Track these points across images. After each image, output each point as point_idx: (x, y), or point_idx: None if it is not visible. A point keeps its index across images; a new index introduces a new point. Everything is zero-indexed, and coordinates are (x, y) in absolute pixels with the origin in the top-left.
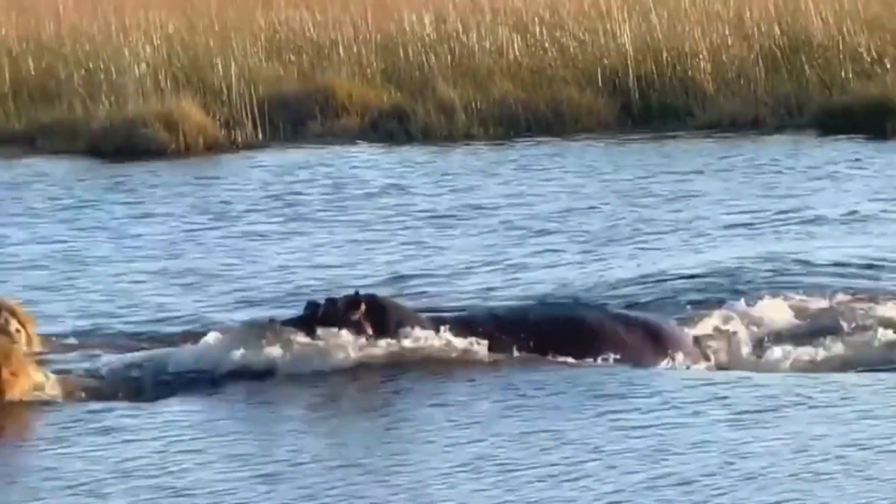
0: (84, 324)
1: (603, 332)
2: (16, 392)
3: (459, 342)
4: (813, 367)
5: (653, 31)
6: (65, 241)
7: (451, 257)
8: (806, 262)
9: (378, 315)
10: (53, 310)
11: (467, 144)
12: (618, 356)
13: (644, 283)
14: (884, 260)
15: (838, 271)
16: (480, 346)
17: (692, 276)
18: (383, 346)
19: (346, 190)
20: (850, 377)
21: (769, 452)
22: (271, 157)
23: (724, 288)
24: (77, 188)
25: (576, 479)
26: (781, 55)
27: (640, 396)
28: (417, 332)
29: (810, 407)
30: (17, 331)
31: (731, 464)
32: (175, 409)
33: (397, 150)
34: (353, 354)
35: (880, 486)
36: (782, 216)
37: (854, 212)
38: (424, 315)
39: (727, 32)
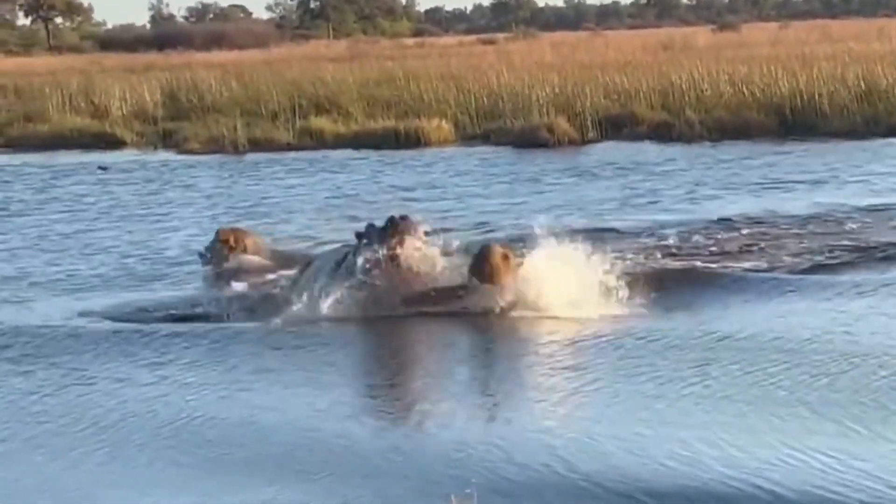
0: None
1: None
2: None
3: None
4: None
5: (798, 84)
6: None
7: None
8: None
9: None
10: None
11: (699, 143)
12: None
13: None
14: None
15: None
16: None
17: None
18: None
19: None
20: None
21: None
22: (605, 146)
23: None
24: (504, 165)
25: None
26: (864, 95)
27: None
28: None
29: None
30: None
31: None
32: None
33: (671, 145)
34: None
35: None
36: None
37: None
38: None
39: (835, 85)
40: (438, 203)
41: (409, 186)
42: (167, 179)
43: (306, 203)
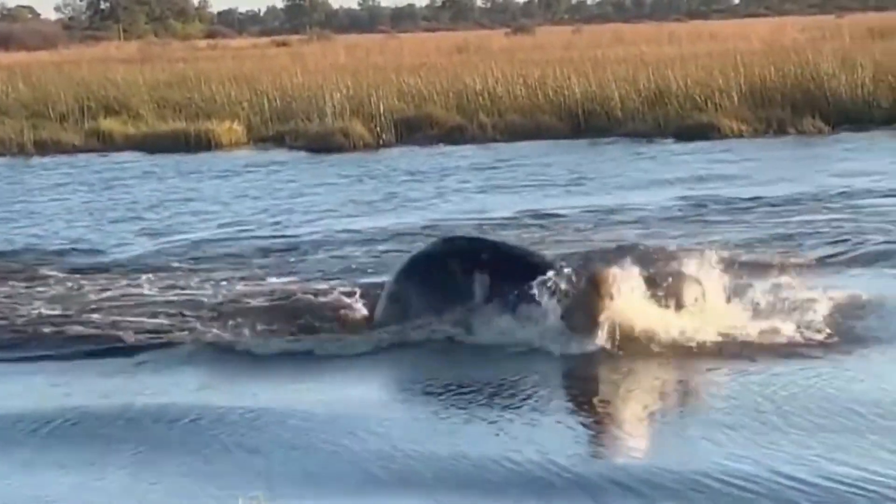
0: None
1: None
2: None
3: None
4: None
5: (591, 87)
6: (305, 195)
7: None
8: None
9: None
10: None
11: (493, 142)
12: None
13: None
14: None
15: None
16: None
17: None
18: None
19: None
20: None
21: None
22: (397, 150)
23: None
24: (302, 166)
25: None
26: (655, 97)
27: None
28: None
29: None
30: None
31: None
32: None
33: (461, 147)
34: None
35: None
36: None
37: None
38: None
39: (627, 88)
40: (203, 205)
41: (179, 190)
42: None
43: (64, 208)
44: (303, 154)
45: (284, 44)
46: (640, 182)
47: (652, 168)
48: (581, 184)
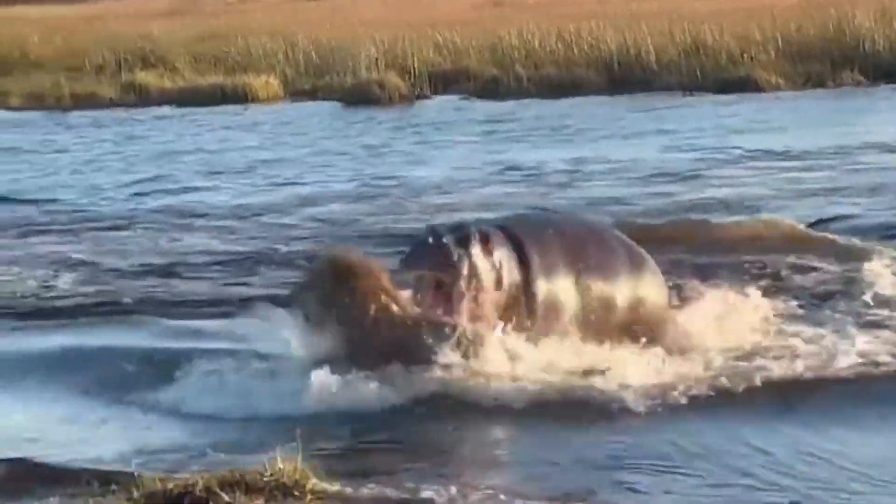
0: None
1: None
2: None
3: None
4: None
5: (626, 41)
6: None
7: None
8: None
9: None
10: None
11: (529, 95)
12: None
13: None
14: None
15: None
16: None
17: None
18: None
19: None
20: None
21: None
22: (433, 102)
23: None
24: (336, 120)
25: None
26: (690, 51)
27: None
28: None
29: None
30: None
31: None
32: None
33: (496, 99)
34: None
35: None
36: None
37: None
38: None
39: (662, 41)
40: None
41: (209, 142)
42: None
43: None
44: (338, 106)
45: None
46: (660, 136)
47: (679, 121)
48: (604, 137)
